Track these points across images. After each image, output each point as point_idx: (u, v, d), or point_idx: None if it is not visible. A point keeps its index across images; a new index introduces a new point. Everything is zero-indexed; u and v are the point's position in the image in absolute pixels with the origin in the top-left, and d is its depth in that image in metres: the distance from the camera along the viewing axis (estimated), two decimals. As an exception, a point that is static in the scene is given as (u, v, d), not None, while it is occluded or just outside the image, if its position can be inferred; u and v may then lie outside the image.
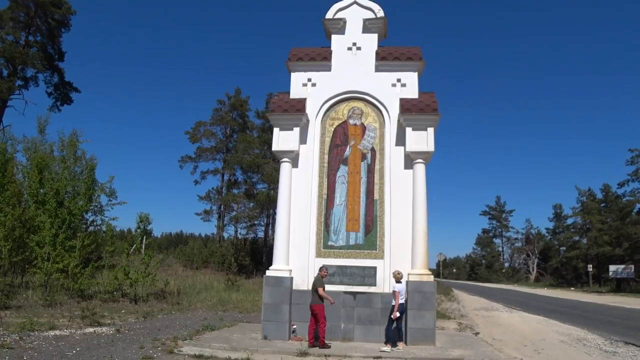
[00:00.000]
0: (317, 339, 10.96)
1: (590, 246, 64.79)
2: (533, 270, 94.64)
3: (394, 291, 11.18)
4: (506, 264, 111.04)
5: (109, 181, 25.07)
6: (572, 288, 64.47)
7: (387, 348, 10.74)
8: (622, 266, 55.83)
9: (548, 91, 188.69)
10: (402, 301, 11.26)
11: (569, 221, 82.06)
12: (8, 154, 23.06)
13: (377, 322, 12.08)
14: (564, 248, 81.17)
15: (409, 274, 11.98)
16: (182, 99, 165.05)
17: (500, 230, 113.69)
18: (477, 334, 14.87)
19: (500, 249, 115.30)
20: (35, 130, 26.52)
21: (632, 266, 54.74)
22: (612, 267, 56.56)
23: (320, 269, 11.51)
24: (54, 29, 41.35)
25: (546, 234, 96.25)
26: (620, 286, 55.24)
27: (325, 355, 10.19)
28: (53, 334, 11.67)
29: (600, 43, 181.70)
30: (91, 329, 12.69)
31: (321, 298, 11.05)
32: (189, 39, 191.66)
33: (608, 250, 60.29)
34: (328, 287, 11.44)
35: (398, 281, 11.30)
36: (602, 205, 69.34)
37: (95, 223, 25.19)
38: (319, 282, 11.23)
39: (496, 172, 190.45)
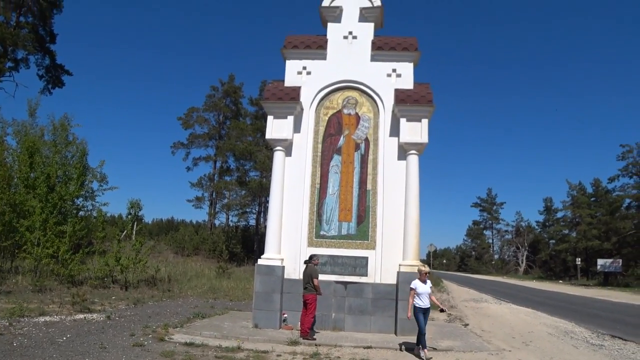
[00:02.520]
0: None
1: (579, 240, 65.42)
2: (522, 262, 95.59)
3: (432, 288, 10.19)
4: (496, 256, 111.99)
5: (99, 165, 24.85)
6: (561, 281, 65.15)
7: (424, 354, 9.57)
8: (610, 260, 56.42)
9: (541, 84, 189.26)
10: (418, 302, 10.00)
11: (559, 214, 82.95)
12: (-2, 137, 22.80)
13: (368, 312, 12.14)
14: (554, 241, 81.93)
15: (400, 265, 12.04)
16: (175, 85, 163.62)
17: (490, 222, 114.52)
18: (466, 325, 15.00)
19: (491, 240, 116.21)
20: (26, 113, 26.21)
21: (620, 260, 55.36)
22: (600, 261, 57.14)
23: (312, 258, 11.39)
24: (45, 10, 40.65)
25: (536, 227, 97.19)
26: (607, 280, 55.89)
27: (316, 345, 10.22)
28: (43, 320, 11.61)
29: (595, 37, 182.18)
30: (81, 316, 12.64)
31: (316, 288, 11.06)
32: (183, 23, 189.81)
33: (597, 244, 60.91)
34: (319, 277, 11.41)
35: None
36: (592, 199, 69.92)
37: (85, 208, 25.02)
38: (315, 272, 11.18)
39: (488, 164, 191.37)
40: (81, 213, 24.22)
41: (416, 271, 11.86)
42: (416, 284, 10.05)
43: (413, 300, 9.95)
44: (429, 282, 10.17)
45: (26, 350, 8.42)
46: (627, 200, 61.52)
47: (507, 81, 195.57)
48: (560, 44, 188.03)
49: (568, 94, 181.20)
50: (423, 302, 9.94)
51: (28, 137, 22.54)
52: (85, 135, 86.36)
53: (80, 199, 23.99)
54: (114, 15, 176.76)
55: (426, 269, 10.19)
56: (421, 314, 9.90)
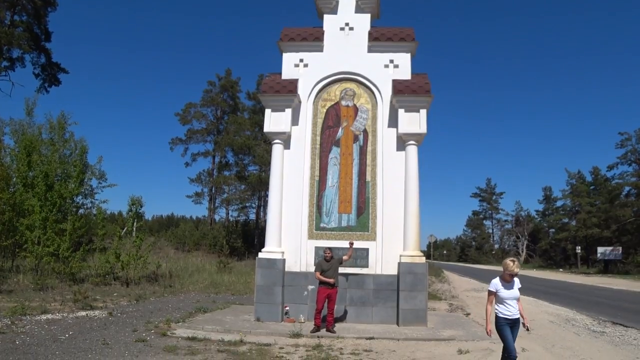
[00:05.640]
0: (324, 321, 10.97)
1: (579, 228, 65.61)
2: (522, 252, 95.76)
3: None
4: (496, 246, 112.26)
5: (97, 162, 24.94)
6: (561, 269, 65.35)
7: None
8: (610, 248, 56.62)
9: (539, 73, 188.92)
10: (503, 311, 6.83)
11: (559, 203, 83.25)
12: (-5, 137, 22.77)
13: (370, 303, 12.16)
14: (553, 230, 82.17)
15: (401, 255, 12.04)
16: (172, 81, 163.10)
17: (490, 212, 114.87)
18: (468, 314, 15.02)
19: (490, 230, 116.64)
20: (23, 112, 26.17)
21: (620, 248, 55.55)
22: (600, 249, 57.33)
23: (324, 251, 11.36)
24: (40, 9, 40.41)
25: (536, 216, 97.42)
26: (607, 267, 56.09)
27: (319, 337, 10.24)
28: (45, 317, 11.60)
29: (591, 24, 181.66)
30: (83, 313, 12.64)
31: (322, 281, 11.03)
32: (179, 18, 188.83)
33: (596, 232, 61.11)
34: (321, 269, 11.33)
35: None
36: (591, 187, 70.13)
37: (85, 206, 25.04)
38: (317, 265, 11.26)
39: (487, 154, 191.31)
40: (81, 211, 24.26)
41: (416, 262, 11.92)
42: (497, 285, 6.94)
43: (491, 308, 7.04)
44: (517, 282, 6.96)
45: (29, 348, 8.42)
46: (627, 188, 61.75)
47: (505, 71, 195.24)
48: (558, 34, 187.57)
49: (566, 83, 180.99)
50: (510, 311, 6.79)
51: (26, 136, 22.52)
52: (82, 133, 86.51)
53: (80, 197, 24.03)
54: (109, 13, 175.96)
55: (515, 265, 6.82)
56: (507, 326, 6.76)
